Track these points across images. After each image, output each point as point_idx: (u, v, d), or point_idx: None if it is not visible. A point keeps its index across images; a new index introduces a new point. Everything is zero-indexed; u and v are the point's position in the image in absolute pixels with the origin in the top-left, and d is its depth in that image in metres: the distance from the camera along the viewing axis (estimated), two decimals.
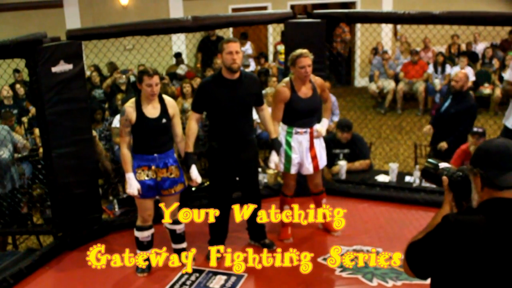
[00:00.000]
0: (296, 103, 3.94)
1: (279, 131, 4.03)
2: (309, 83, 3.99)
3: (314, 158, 4.08)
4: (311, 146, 4.06)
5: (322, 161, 4.17)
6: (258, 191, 4.09)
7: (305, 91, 3.97)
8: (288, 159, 4.03)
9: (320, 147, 4.14)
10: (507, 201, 1.63)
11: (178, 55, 9.46)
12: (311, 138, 4.05)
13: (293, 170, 4.08)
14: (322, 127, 4.12)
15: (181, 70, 9.06)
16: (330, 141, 5.18)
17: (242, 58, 3.74)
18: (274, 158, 3.95)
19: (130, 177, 3.63)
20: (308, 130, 4.03)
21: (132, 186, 3.62)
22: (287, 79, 4.02)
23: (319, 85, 4.06)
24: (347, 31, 10.78)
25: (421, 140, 6.63)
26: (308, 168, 4.09)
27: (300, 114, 3.97)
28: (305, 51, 3.87)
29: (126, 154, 3.65)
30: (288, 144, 4.02)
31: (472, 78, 8.89)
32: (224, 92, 3.70)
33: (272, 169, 4.67)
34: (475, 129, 5.05)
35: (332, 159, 5.21)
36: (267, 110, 4.01)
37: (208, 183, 4.21)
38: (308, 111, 3.99)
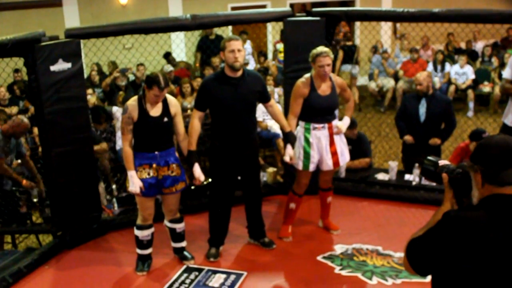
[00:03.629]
0: (314, 100, 3.92)
1: (294, 126, 3.97)
2: (329, 81, 3.97)
3: (334, 154, 4.03)
4: (331, 142, 4.02)
5: (344, 158, 4.14)
6: (260, 190, 4.08)
7: (324, 89, 3.95)
8: (306, 156, 3.99)
9: (341, 143, 4.10)
10: (507, 197, 1.63)
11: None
12: (331, 134, 4.01)
13: (311, 168, 4.04)
14: (342, 124, 4.08)
15: (167, 68, 8.91)
16: None
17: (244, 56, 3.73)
18: (289, 151, 3.88)
19: (132, 175, 3.61)
20: (326, 125, 3.98)
21: (135, 184, 3.60)
22: (308, 75, 3.98)
23: (339, 85, 4.04)
24: (337, 32, 10.77)
25: None
26: (328, 164, 4.04)
27: (317, 111, 3.94)
28: (325, 49, 3.85)
29: (128, 152, 3.63)
30: (307, 140, 3.98)
31: (471, 76, 8.90)
32: (227, 90, 3.68)
33: (274, 168, 4.67)
34: (484, 135, 4.89)
35: None
36: (275, 105, 3.98)
37: (207, 181, 4.20)
38: (326, 109, 3.96)
